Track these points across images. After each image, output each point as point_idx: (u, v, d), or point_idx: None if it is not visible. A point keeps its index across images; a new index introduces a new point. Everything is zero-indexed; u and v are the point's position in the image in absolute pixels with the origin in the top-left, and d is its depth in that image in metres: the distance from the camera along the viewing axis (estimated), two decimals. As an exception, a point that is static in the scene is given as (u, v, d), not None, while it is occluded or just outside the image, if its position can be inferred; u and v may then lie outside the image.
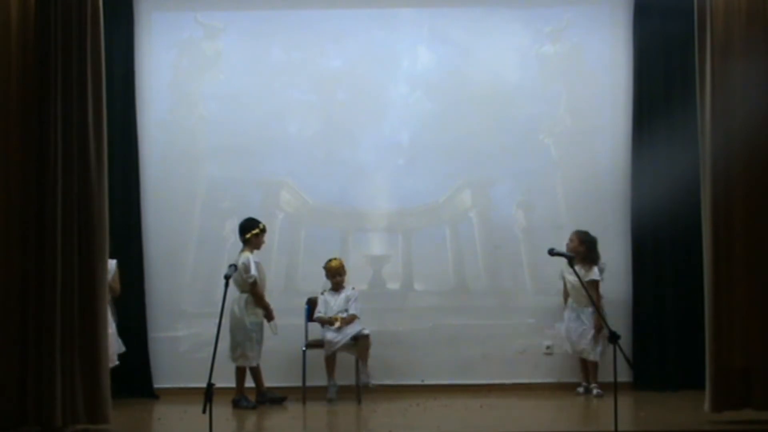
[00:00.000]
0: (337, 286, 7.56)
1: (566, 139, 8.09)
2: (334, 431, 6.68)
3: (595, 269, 7.40)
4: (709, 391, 6.11)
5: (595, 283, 7.36)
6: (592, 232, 7.61)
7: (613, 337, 5.45)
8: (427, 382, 7.85)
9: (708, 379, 6.12)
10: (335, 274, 7.56)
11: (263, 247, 7.39)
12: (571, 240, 7.50)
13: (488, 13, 8.17)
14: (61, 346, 5.95)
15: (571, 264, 6.13)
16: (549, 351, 7.94)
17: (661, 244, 7.72)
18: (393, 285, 8.10)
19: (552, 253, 6.02)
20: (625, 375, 6.99)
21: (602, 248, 7.86)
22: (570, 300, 7.56)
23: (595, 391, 7.39)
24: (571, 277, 7.23)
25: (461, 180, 8.13)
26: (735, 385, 6.09)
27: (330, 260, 7.61)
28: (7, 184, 6.00)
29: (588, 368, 7.53)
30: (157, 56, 8.10)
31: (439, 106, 8.15)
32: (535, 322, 7.97)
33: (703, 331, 6.24)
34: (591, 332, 7.39)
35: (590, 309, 7.28)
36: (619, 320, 7.43)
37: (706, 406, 6.14)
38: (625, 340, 6.72)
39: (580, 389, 7.52)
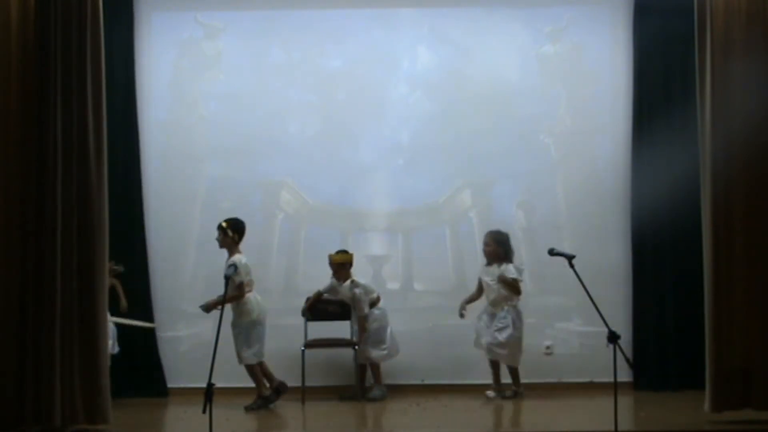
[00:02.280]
0: (339, 279, 7.55)
1: (566, 139, 8.10)
2: (334, 431, 6.68)
3: (511, 267, 7.31)
4: (709, 391, 6.11)
5: (514, 282, 7.26)
6: (592, 232, 7.61)
7: (613, 337, 5.45)
8: (427, 382, 7.86)
9: (708, 379, 6.13)
10: (334, 270, 7.54)
11: (264, 246, 7.40)
12: (486, 244, 7.37)
13: (488, 13, 8.17)
14: (60, 347, 5.94)
15: (571, 264, 6.11)
16: (549, 351, 7.95)
17: (661, 244, 7.72)
18: (393, 285, 8.10)
19: (552, 253, 6.01)
20: (625, 375, 6.98)
21: (602, 248, 7.89)
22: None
23: (508, 392, 7.28)
24: (487, 278, 7.27)
25: (461, 180, 8.13)
26: (735, 385, 6.09)
27: (335, 253, 7.58)
28: (7, 185, 6.00)
29: (497, 371, 7.39)
30: (157, 56, 8.10)
31: (439, 106, 8.15)
32: (535, 322, 7.95)
33: (703, 331, 6.24)
34: (507, 334, 7.20)
35: (506, 310, 7.21)
36: (619, 320, 7.42)
37: (706, 406, 6.14)
38: (625, 340, 6.72)
39: (491, 393, 7.32)
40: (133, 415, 6.85)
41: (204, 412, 4.97)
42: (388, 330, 7.49)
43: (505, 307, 7.27)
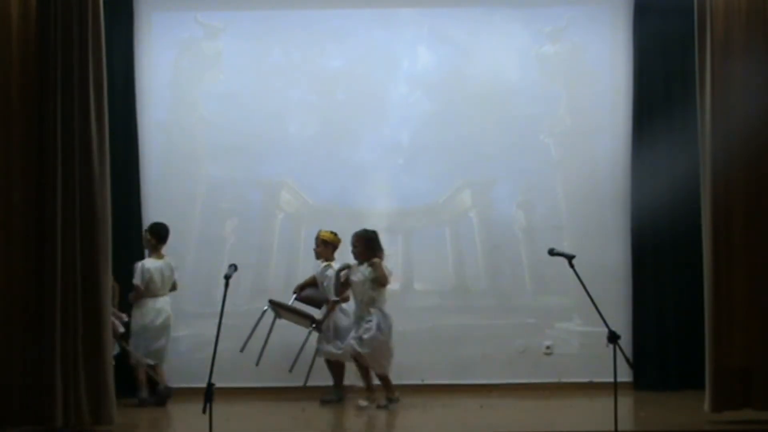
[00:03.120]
0: (319, 257, 7.47)
1: (566, 139, 8.10)
2: (334, 431, 6.68)
3: (380, 263, 7.03)
4: (709, 391, 6.11)
5: (382, 276, 6.99)
6: (593, 232, 7.61)
7: (613, 337, 5.45)
8: (427, 382, 7.86)
9: (708, 379, 6.13)
10: (318, 245, 7.46)
11: (264, 246, 7.40)
12: (354, 245, 7.12)
13: (488, 13, 8.17)
14: (63, 347, 5.94)
15: (571, 264, 6.10)
16: (549, 351, 7.95)
17: (661, 244, 7.72)
18: (393, 285, 8.07)
19: (552, 253, 6.00)
20: (625, 375, 6.97)
21: (602, 248, 7.87)
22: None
23: (382, 401, 7.00)
24: (355, 278, 7.07)
25: (461, 180, 8.13)
26: (735, 385, 6.09)
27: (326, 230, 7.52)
28: (9, 184, 6.00)
29: (368, 377, 7.12)
30: (157, 56, 8.10)
31: (439, 106, 8.15)
32: (535, 322, 7.98)
33: (703, 331, 6.24)
34: (370, 335, 6.93)
35: (372, 313, 6.98)
36: (619, 320, 7.41)
37: (706, 406, 6.14)
38: (625, 340, 6.71)
39: (363, 402, 7.03)
40: (133, 416, 6.85)
41: (204, 412, 4.96)
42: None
43: (372, 310, 7.01)
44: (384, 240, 8.09)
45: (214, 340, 5.53)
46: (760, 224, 6.13)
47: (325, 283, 7.38)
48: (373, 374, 7.11)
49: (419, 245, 8.10)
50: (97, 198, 6.08)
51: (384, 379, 7.09)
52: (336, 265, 7.37)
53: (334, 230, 7.51)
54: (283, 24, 8.17)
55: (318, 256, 7.49)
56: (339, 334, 7.27)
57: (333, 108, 8.17)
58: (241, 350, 7.30)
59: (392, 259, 8.07)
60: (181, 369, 7.71)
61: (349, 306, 7.34)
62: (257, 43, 8.17)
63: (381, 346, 6.97)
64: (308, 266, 7.85)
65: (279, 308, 7.40)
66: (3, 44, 6.03)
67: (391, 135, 8.16)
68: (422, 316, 8.01)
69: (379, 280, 6.97)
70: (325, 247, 7.44)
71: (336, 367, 7.39)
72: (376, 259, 7.02)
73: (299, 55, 8.19)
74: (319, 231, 7.50)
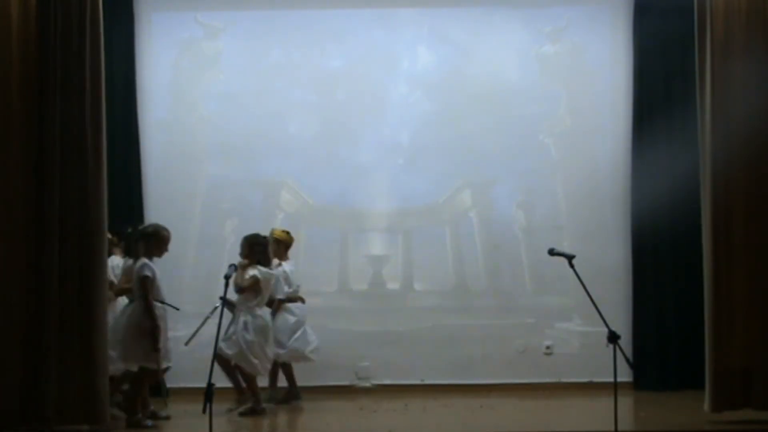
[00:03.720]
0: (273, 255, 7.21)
1: (566, 139, 8.10)
2: (333, 431, 6.68)
3: (253, 270, 6.84)
4: (709, 391, 6.11)
5: (247, 282, 6.78)
6: (592, 232, 7.60)
7: (613, 337, 5.44)
8: (427, 382, 7.86)
9: (708, 379, 6.13)
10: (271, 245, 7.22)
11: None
12: (243, 248, 6.93)
13: (488, 13, 8.17)
14: (58, 346, 5.94)
15: (571, 264, 6.10)
16: (549, 351, 7.95)
17: (661, 244, 7.72)
18: (393, 285, 8.10)
19: (552, 253, 6.00)
20: (625, 375, 6.97)
21: (602, 248, 7.87)
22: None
23: (241, 408, 6.78)
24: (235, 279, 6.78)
25: (461, 180, 8.13)
26: (735, 385, 6.09)
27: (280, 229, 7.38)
28: (7, 185, 6.00)
29: (235, 379, 6.93)
30: (157, 56, 8.10)
31: (439, 106, 8.15)
32: (535, 322, 7.98)
33: (703, 331, 6.24)
34: (231, 330, 6.77)
35: (242, 312, 6.79)
36: (619, 320, 7.42)
37: (706, 406, 6.14)
38: (625, 340, 6.71)
39: (233, 407, 6.83)
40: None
41: (204, 412, 4.96)
42: (269, 339, 6.92)
43: (243, 309, 6.85)
44: (384, 240, 8.12)
45: (214, 340, 5.55)
46: (760, 224, 6.13)
47: (272, 282, 7.08)
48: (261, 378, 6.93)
49: (419, 245, 8.10)
50: (92, 199, 6.07)
51: (251, 380, 6.83)
52: (287, 264, 7.29)
53: (331, 228, 7.46)
54: (283, 24, 8.18)
55: (273, 254, 7.29)
56: (282, 334, 7.13)
57: (333, 108, 8.17)
58: (186, 344, 7.18)
59: (392, 259, 8.11)
60: (181, 369, 7.70)
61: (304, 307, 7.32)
62: (257, 43, 8.17)
63: (250, 346, 6.73)
64: (308, 266, 7.85)
65: (229, 306, 7.22)
66: (3, 44, 6.02)
67: (391, 135, 8.16)
68: (422, 316, 8.00)
69: (235, 282, 6.69)
70: (278, 245, 7.26)
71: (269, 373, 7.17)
72: (244, 261, 6.84)
73: (299, 55, 8.19)
74: (272, 229, 7.35)
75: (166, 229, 6.72)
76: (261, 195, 8.16)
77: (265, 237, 7.04)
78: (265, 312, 6.94)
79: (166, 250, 6.69)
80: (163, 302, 6.53)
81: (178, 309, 6.78)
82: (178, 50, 8.17)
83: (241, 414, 6.75)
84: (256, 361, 6.75)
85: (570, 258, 5.79)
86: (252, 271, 6.81)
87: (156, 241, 6.61)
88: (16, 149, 6.03)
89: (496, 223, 8.10)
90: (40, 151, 6.05)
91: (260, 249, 6.91)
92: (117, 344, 6.42)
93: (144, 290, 6.38)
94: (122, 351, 6.42)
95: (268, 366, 6.95)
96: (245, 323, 6.79)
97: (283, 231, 7.38)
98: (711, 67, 6.19)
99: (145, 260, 6.47)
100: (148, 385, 6.72)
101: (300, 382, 7.37)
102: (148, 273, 6.40)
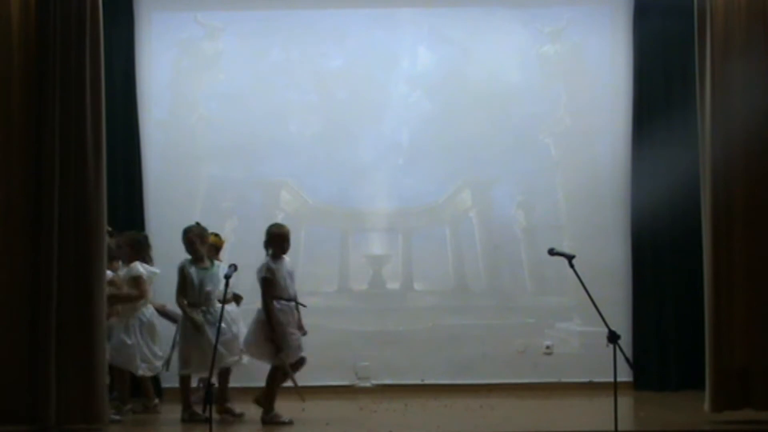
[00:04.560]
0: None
1: (566, 139, 8.10)
2: (333, 431, 6.67)
3: (137, 265, 6.84)
4: (709, 391, 6.11)
5: (137, 280, 6.79)
6: (592, 232, 7.61)
7: (613, 337, 5.45)
8: (427, 382, 7.86)
9: (708, 379, 6.12)
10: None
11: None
12: (119, 246, 6.89)
13: (488, 13, 8.17)
14: (57, 346, 5.94)
15: (571, 264, 6.10)
16: (549, 351, 7.95)
17: (661, 244, 7.72)
18: (393, 285, 8.10)
19: (552, 253, 6.00)
20: (625, 375, 6.97)
21: (602, 248, 7.87)
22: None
23: (126, 407, 6.76)
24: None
25: (461, 180, 8.13)
26: (735, 385, 6.09)
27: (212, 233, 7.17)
28: (7, 185, 6.00)
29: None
30: (157, 56, 8.10)
31: (439, 106, 8.15)
32: (535, 322, 7.98)
33: (703, 331, 6.24)
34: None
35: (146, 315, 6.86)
36: (619, 320, 7.41)
37: (706, 406, 6.14)
38: (625, 340, 6.72)
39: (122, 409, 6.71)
40: (131, 416, 6.84)
41: (204, 411, 4.97)
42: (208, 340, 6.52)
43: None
44: (384, 240, 8.13)
45: (213, 340, 5.56)
46: (760, 224, 6.12)
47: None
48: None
49: (419, 245, 8.10)
50: (92, 198, 6.07)
51: (144, 382, 6.93)
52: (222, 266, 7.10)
53: (331, 228, 7.50)
54: (283, 24, 8.18)
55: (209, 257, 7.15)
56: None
57: (333, 108, 8.17)
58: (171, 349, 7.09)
59: (392, 259, 8.11)
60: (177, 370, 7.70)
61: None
62: (257, 43, 8.17)
63: (122, 348, 6.71)
64: (308, 266, 7.86)
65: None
66: (3, 44, 6.03)
67: (391, 135, 8.16)
68: (422, 316, 8.00)
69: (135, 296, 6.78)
70: (212, 251, 7.12)
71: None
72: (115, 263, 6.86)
73: (299, 55, 8.19)
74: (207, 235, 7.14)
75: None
76: (261, 195, 8.16)
77: (145, 235, 7.13)
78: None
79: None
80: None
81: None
82: (178, 50, 8.17)
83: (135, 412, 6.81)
84: (131, 367, 6.75)
85: (570, 258, 5.79)
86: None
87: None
88: (16, 149, 6.04)
89: (496, 223, 8.10)
90: (39, 151, 6.05)
91: (142, 247, 6.92)
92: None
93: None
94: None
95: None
96: (124, 325, 6.77)
97: (213, 234, 7.15)
98: (711, 67, 6.19)
99: (268, 260, 6.48)
100: (149, 384, 6.84)
101: (300, 382, 7.35)
102: (266, 275, 6.42)
